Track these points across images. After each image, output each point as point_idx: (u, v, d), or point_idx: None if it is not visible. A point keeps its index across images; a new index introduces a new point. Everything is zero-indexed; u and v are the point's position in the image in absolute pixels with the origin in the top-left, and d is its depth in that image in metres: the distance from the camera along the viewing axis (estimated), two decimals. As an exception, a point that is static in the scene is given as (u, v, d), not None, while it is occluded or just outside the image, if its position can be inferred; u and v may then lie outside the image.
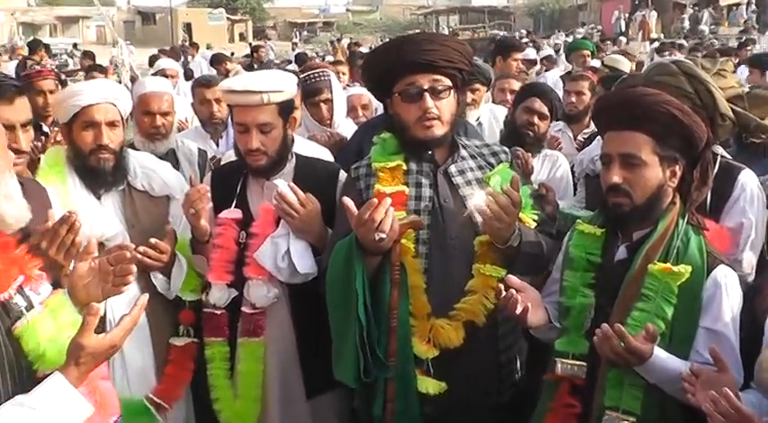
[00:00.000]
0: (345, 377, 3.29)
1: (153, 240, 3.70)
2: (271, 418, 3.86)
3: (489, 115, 6.28)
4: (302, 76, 5.46)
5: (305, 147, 4.77)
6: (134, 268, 2.80)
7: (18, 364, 2.37)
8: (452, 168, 3.45)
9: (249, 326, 3.76)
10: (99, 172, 3.83)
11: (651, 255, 2.96)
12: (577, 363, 3.03)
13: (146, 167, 4.03)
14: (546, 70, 14.34)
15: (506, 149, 3.68)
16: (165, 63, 10.72)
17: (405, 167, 3.44)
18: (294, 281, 3.68)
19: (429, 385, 3.30)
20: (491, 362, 3.45)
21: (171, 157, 5.04)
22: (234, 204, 3.81)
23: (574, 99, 6.60)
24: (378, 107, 5.79)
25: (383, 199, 3.11)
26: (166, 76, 8.62)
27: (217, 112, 6.15)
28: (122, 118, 3.92)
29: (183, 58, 26.72)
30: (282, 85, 3.71)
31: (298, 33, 55.54)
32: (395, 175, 3.43)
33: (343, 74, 9.06)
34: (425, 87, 3.30)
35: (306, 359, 3.81)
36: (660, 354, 2.78)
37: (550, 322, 3.19)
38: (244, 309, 3.75)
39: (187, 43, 41.11)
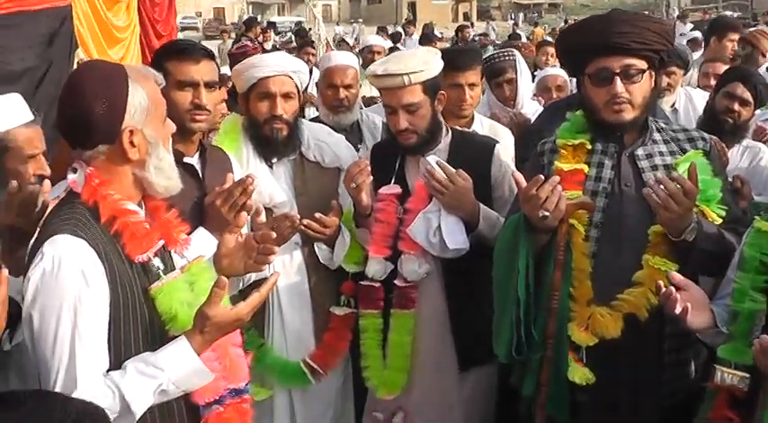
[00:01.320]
0: (499, 351, 3.29)
1: (317, 215, 3.79)
2: (417, 388, 3.90)
3: (685, 99, 5.96)
4: (487, 55, 5.38)
5: (486, 126, 4.69)
6: (276, 249, 2.89)
7: (151, 323, 2.53)
8: (640, 151, 3.30)
9: (401, 299, 3.81)
10: (271, 141, 3.92)
11: None
12: (740, 373, 2.75)
13: (318, 139, 4.10)
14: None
15: (706, 137, 3.44)
16: (372, 39, 10.85)
17: (589, 147, 3.33)
18: (446, 256, 3.70)
19: (578, 374, 3.19)
20: (652, 361, 3.27)
21: (355, 129, 5.13)
22: (393, 180, 3.85)
23: None
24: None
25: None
26: (372, 53, 8.71)
27: None
28: (298, 90, 3.99)
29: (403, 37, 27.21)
30: (423, 64, 3.69)
31: (513, 14, 55.03)
32: (577, 153, 3.34)
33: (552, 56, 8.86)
34: (616, 71, 3.17)
35: (459, 332, 3.84)
36: None
37: (716, 326, 2.93)
38: (396, 282, 3.80)
39: (410, 23, 41.81)
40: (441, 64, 3.80)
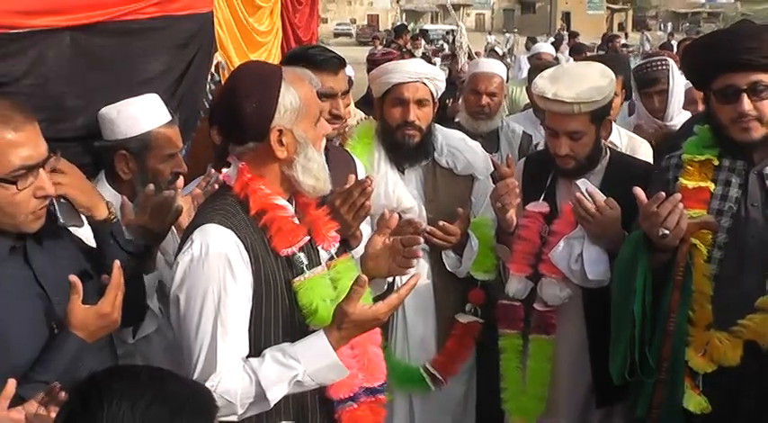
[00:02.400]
0: (613, 372, 3.21)
1: (441, 223, 3.74)
2: (551, 417, 3.77)
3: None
4: (639, 63, 5.26)
5: (624, 138, 4.57)
6: (420, 252, 2.96)
7: (291, 315, 2.60)
8: None
9: (540, 323, 3.68)
10: (403, 147, 3.91)
11: None
12: None
13: (452, 146, 4.04)
14: None
15: None
16: (542, 47, 10.77)
17: (716, 163, 3.19)
18: (587, 285, 3.54)
19: (693, 402, 3.07)
20: None
21: (493, 136, 5.10)
22: (542, 197, 3.72)
23: None
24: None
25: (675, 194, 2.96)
26: (541, 60, 8.65)
27: None
28: (433, 97, 3.96)
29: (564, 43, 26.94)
30: (597, 94, 3.52)
31: (662, 25, 53.59)
32: (703, 169, 3.20)
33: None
34: (743, 88, 3.02)
35: (597, 364, 3.62)
36: None
37: None
38: (536, 305, 3.67)
39: (564, 32, 41.36)
40: (613, 88, 3.64)
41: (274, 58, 5.54)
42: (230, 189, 2.61)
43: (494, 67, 5.42)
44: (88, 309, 2.38)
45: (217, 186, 2.97)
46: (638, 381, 3.14)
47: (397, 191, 3.89)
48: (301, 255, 2.63)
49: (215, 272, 2.48)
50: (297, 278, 2.60)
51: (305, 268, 2.63)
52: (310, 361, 2.48)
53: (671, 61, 5.28)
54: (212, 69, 4.39)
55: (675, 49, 12.03)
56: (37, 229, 2.42)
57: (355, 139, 4.09)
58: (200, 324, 2.49)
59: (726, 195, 3.13)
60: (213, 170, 3.44)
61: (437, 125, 4.12)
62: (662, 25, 53.92)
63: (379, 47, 18.36)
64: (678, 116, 5.24)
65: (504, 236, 3.76)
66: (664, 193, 2.95)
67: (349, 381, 2.65)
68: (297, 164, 2.59)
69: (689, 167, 3.22)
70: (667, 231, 2.92)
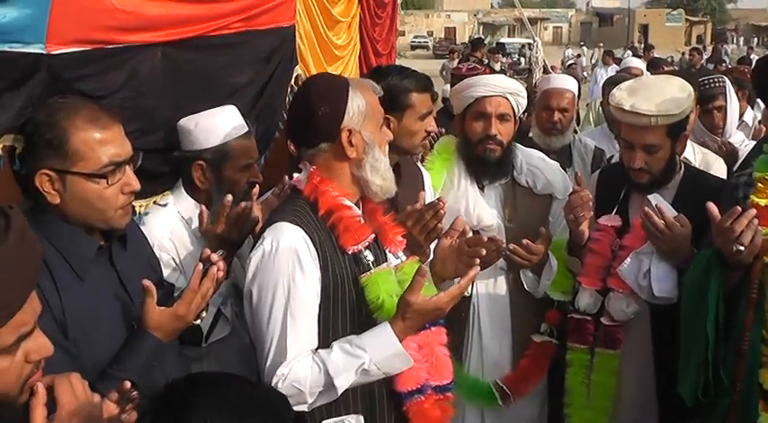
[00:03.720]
0: (684, 394, 3.15)
1: (525, 241, 3.72)
2: None
3: None
4: (698, 80, 5.24)
5: (698, 155, 4.56)
6: (483, 252, 2.99)
7: (359, 309, 2.75)
8: None
9: (607, 337, 3.67)
10: (484, 162, 3.92)
11: None
12: None
13: (532, 165, 4.05)
14: None
15: None
16: (631, 61, 10.72)
17: None
18: (654, 302, 3.51)
19: None
20: None
21: (565, 152, 5.10)
22: (615, 210, 3.72)
23: None
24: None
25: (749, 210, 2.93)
26: (631, 75, 8.65)
27: None
28: (514, 113, 3.97)
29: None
30: (676, 108, 3.49)
31: (734, 38, 52.41)
32: None
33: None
34: None
35: (662, 382, 3.62)
36: None
37: None
38: (603, 320, 3.67)
39: (641, 45, 40.82)
40: (691, 103, 3.61)
41: (351, 71, 5.61)
42: (301, 192, 2.78)
43: (565, 82, 5.42)
44: (164, 310, 2.50)
45: (289, 192, 3.11)
46: (709, 402, 3.09)
47: (478, 208, 3.91)
48: (368, 252, 2.77)
49: (284, 266, 2.63)
50: (364, 274, 2.74)
51: (371, 265, 2.76)
52: (376, 350, 2.61)
53: (726, 80, 5.36)
54: (292, 82, 4.49)
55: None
56: (125, 224, 2.54)
57: (435, 154, 4.11)
58: (272, 315, 2.64)
59: None
60: (287, 178, 3.57)
61: (517, 144, 4.12)
62: (735, 38, 52.81)
63: (455, 60, 18.43)
64: (735, 134, 5.25)
65: (576, 248, 3.76)
66: (739, 208, 2.93)
67: (415, 373, 2.76)
68: (366, 163, 2.76)
69: (760, 185, 3.17)
70: (742, 247, 2.88)
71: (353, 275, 2.74)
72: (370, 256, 2.76)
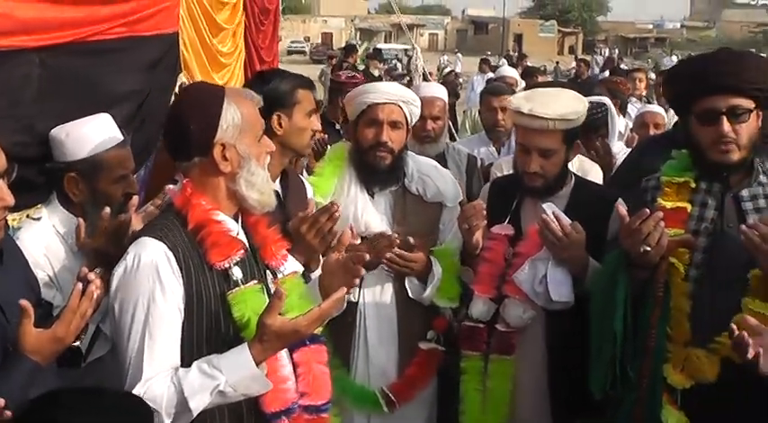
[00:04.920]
0: (594, 387, 3.28)
1: (398, 251, 3.76)
2: None
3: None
4: None
5: (575, 161, 4.68)
6: (362, 271, 2.96)
7: (225, 328, 2.66)
8: (744, 193, 3.25)
9: (501, 343, 3.71)
10: (374, 169, 3.92)
11: None
12: None
13: (422, 172, 4.06)
14: None
15: None
16: (506, 70, 10.91)
17: (693, 185, 3.30)
18: (550, 307, 3.59)
19: (672, 417, 3.15)
20: (752, 407, 3.13)
21: (440, 160, 5.08)
22: (508, 219, 3.77)
23: None
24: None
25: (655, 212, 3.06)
26: (506, 84, 8.78)
27: (501, 121, 6.14)
28: (407, 121, 3.98)
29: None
30: (572, 114, 3.60)
31: (600, 49, 54.17)
32: (681, 191, 3.31)
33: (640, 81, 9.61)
34: (723, 111, 3.13)
35: (556, 385, 3.71)
36: None
37: None
38: (498, 326, 3.70)
39: (515, 53, 41.68)
40: (585, 113, 3.71)
41: (237, 79, 5.56)
42: (173, 205, 2.72)
43: (435, 90, 5.51)
44: (42, 333, 2.43)
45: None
46: (615, 398, 3.24)
47: (367, 215, 3.90)
48: (237, 268, 2.69)
49: (145, 282, 2.56)
50: (231, 291, 2.66)
51: (240, 282, 2.69)
52: (232, 372, 2.52)
53: (608, 105, 5.47)
54: (176, 90, 4.39)
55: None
56: None
57: (326, 160, 4.11)
58: (131, 333, 2.56)
59: (702, 216, 3.24)
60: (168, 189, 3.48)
61: (409, 152, 4.14)
62: (600, 50, 54.64)
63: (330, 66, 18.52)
64: (614, 146, 5.41)
65: (470, 258, 3.80)
66: (648, 210, 3.05)
67: (282, 395, 2.71)
68: (240, 178, 2.70)
69: (667, 189, 3.32)
70: (649, 248, 3.02)
71: (220, 292, 2.66)
72: (239, 273, 2.69)
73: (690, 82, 3.28)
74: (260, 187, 2.74)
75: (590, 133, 5.20)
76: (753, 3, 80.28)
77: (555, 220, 3.48)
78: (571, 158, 3.80)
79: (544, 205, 3.58)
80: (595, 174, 4.74)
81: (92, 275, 2.56)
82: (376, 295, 3.93)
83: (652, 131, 6.02)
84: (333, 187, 3.96)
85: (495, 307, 3.71)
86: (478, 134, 6.68)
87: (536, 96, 3.68)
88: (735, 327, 2.77)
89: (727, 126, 3.12)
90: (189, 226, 2.64)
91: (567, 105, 3.62)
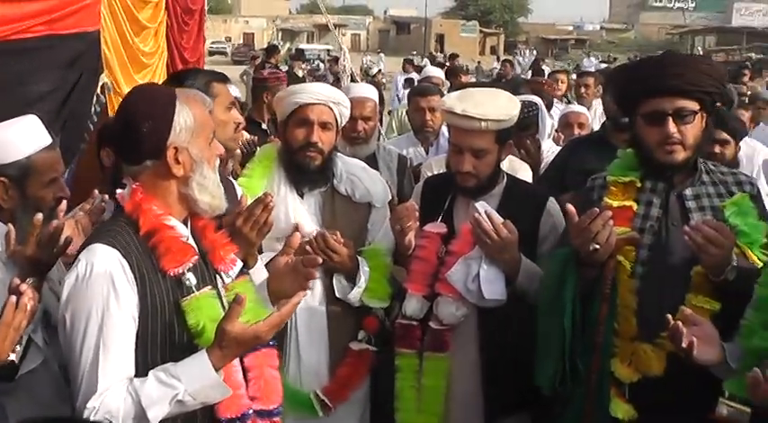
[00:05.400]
0: (542, 383, 3.31)
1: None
2: None
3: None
4: None
5: (505, 161, 4.72)
6: (316, 273, 2.98)
7: (179, 335, 2.61)
8: (688, 192, 3.33)
9: (435, 341, 3.73)
10: (304, 169, 3.90)
11: None
12: (742, 407, 2.73)
13: (352, 173, 4.05)
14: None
15: (754, 181, 3.54)
16: (432, 70, 10.95)
17: (639, 185, 3.37)
18: (482, 304, 3.62)
19: (620, 410, 3.21)
20: (697, 397, 3.13)
21: (371, 161, 5.08)
22: (440, 218, 3.78)
23: None
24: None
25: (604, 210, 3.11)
26: (433, 84, 8.82)
27: (429, 121, 6.14)
28: (337, 121, 3.98)
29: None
30: (505, 115, 3.63)
31: (521, 51, 54.88)
32: (626, 190, 3.37)
33: (562, 82, 9.71)
34: (669, 112, 3.20)
35: (489, 380, 3.75)
36: None
37: (726, 362, 2.92)
38: (431, 324, 3.72)
39: (439, 53, 41.98)
40: (517, 114, 3.74)
41: (159, 79, 5.46)
42: (123, 211, 2.64)
43: (365, 91, 5.46)
44: None
45: (104, 206, 2.93)
46: (564, 394, 3.28)
47: (297, 215, 3.88)
48: (190, 274, 2.64)
49: (98, 291, 2.49)
50: (185, 298, 2.62)
51: (194, 288, 2.64)
52: (191, 380, 2.47)
53: (539, 104, 5.56)
54: (98, 90, 4.30)
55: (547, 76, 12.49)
56: None
57: (255, 161, 4.07)
58: (84, 344, 2.49)
59: (648, 215, 3.31)
60: (97, 193, 3.38)
61: (338, 152, 4.13)
62: (521, 51, 55.45)
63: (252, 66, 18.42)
64: (544, 144, 5.48)
65: (403, 258, 3.82)
66: (597, 209, 3.10)
67: (237, 401, 2.66)
68: (193, 181, 2.65)
69: (613, 188, 3.39)
70: (598, 246, 3.06)
71: (174, 299, 2.61)
72: (192, 279, 2.64)
73: (637, 83, 3.34)
74: (212, 191, 2.69)
75: (521, 132, 5.26)
76: (669, 6, 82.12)
77: (487, 219, 3.52)
78: (503, 158, 3.83)
79: (477, 204, 3.60)
80: (525, 173, 4.76)
81: (24, 286, 2.47)
82: (306, 297, 3.88)
83: (576, 131, 6.11)
84: (263, 188, 3.89)
85: (429, 305, 3.72)
86: (406, 134, 6.67)
87: (469, 97, 3.70)
88: (669, 317, 2.84)
89: (672, 127, 3.19)
90: (141, 232, 2.58)
91: (500, 106, 3.65)
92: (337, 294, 3.90)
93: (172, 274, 2.60)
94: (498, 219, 3.53)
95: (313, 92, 3.93)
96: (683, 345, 2.78)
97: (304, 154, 3.87)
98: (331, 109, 3.92)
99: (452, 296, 3.63)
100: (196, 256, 2.68)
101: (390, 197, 4.21)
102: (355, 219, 4.02)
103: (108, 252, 2.51)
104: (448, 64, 17.93)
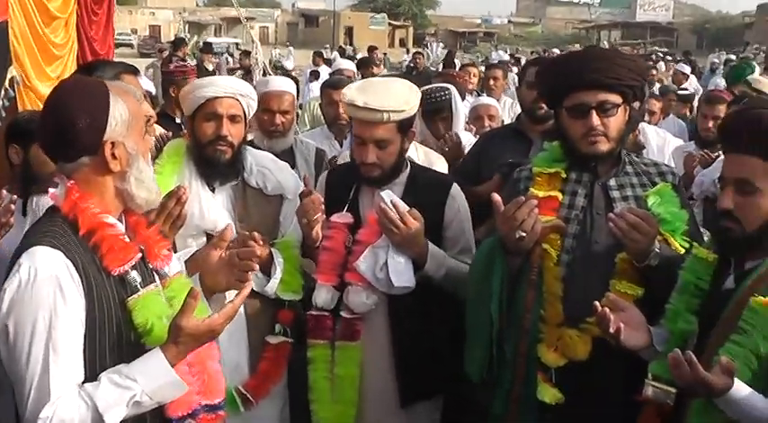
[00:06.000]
0: (471, 371, 3.41)
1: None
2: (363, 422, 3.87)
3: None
4: (423, 90, 5.48)
5: (421, 154, 4.75)
6: (256, 266, 2.94)
7: (127, 335, 2.55)
8: (612, 182, 3.44)
9: (347, 330, 3.78)
10: (215, 163, 3.88)
11: (756, 286, 2.73)
12: (668, 388, 2.83)
13: (262, 166, 4.05)
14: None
15: (675, 171, 3.66)
16: (343, 63, 10.93)
17: (564, 175, 3.45)
18: (392, 292, 3.68)
19: (547, 394, 3.29)
20: (623, 381, 3.29)
21: (288, 155, 5.11)
22: (346, 208, 3.82)
23: (710, 124, 6.32)
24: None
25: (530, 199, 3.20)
26: (344, 75, 8.79)
27: (342, 114, 6.14)
28: (245, 114, 3.97)
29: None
30: (405, 104, 3.67)
31: (429, 43, 55.27)
32: (552, 181, 3.46)
33: (474, 75, 9.90)
34: (593, 105, 3.29)
35: (401, 367, 3.82)
36: (742, 390, 2.56)
37: (653, 346, 3.03)
38: (342, 313, 3.77)
39: (349, 47, 41.91)
40: (418, 101, 3.80)
41: (70, 71, 5.36)
42: (59, 210, 2.55)
43: (283, 84, 5.44)
44: None
45: (13, 207, 2.87)
46: (492, 379, 3.37)
47: (210, 211, 3.86)
48: (134, 273, 2.60)
49: (45, 296, 2.39)
50: (131, 297, 2.57)
51: (139, 286, 2.60)
52: (148, 379, 2.44)
53: (452, 89, 5.60)
54: (6, 84, 4.20)
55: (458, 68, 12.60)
56: None
57: (164, 157, 4.01)
58: (31, 352, 2.39)
59: (573, 204, 3.41)
60: (5, 192, 3.32)
61: (246, 146, 4.13)
62: (428, 43, 55.80)
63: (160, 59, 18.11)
64: (462, 135, 5.53)
65: (311, 251, 3.84)
66: (523, 198, 3.19)
67: (187, 398, 2.63)
68: (130, 176, 2.59)
69: (539, 179, 3.47)
70: (524, 234, 3.15)
71: (120, 299, 2.55)
72: (137, 277, 2.60)
73: (562, 77, 3.42)
74: (148, 185, 2.64)
75: (434, 115, 5.40)
76: (575, 1, 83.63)
77: (393, 207, 3.58)
78: (407, 147, 3.87)
79: (382, 193, 3.66)
80: (441, 166, 4.80)
81: None
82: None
83: (487, 123, 6.17)
84: (173, 185, 3.84)
85: (339, 294, 3.77)
86: (320, 128, 6.68)
87: (369, 88, 3.75)
88: (597, 304, 2.93)
89: (596, 119, 3.28)
90: (80, 231, 2.50)
91: (400, 96, 3.70)
92: (255, 288, 3.82)
93: (116, 273, 2.55)
94: (404, 207, 3.60)
95: (220, 85, 3.91)
96: (611, 330, 2.88)
97: (214, 148, 3.85)
98: (239, 102, 3.91)
99: (362, 285, 3.69)
100: (140, 254, 2.64)
101: (301, 189, 4.22)
102: (268, 212, 4.03)
103: (51, 254, 2.43)
104: (366, 56, 17.91)
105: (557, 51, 29.50)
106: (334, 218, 3.80)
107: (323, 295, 3.78)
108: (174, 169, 3.93)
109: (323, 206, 3.69)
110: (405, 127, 3.74)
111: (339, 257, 3.77)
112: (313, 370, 3.85)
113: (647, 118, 7.48)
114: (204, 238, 3.75)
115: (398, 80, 3.94)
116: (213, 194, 3.93)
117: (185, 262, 3.15)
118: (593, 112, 3.29)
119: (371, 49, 21.67)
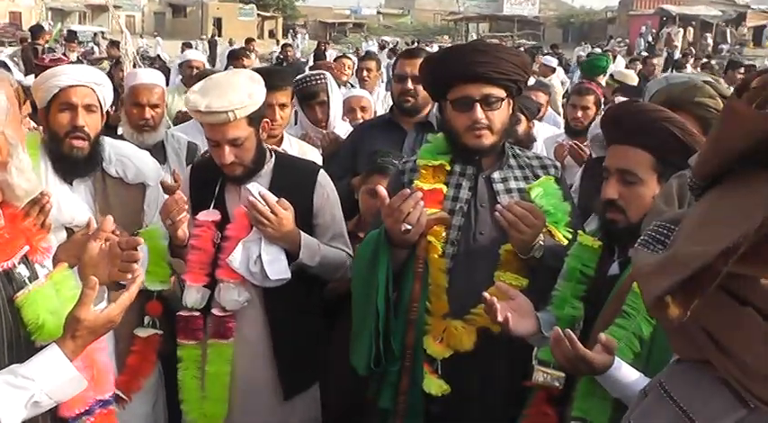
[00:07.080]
0: (358, 364, 3.38)
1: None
2: (238, 420, 3.82)
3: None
4: (299, 77, 5.53)
5: (295, 146, 4.71)
6: (141, 255, 2.79)
7: (17, 334, 2.41)
8: (496, 175, 3.45)
9: (218, 328, 3.72)
10: (72, 159, 3.76)
11: None
12: (556, 372, 2.89)
13: (121, 154, 3.95)
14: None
15: (558, 164, 3.71)
16: (192, 54, 10.66)
17: (448, 168, 3.45)
18: (267, 285, 3.65)
19: (433, 386, 3.29)
20: (506, 370, 3.37)
21: (159, 149, 5.00)
22: (212, 205, 3.75)
23: (579, 114, 6.49)
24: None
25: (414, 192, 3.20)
26: (192, 68, 8.59)
27: None
28: (101, 104, 3.85)
29: (209, 53, 26.82)
30: (248, 98, 3.58)
31: (293, 33, 55.27)
32: (436, 173, 3.45)
33: (348, 67, 9.95)
34: (477, 98, 3.30)
35: (281, 360, 3.79)
36: (622, 368, 2.63)
37: (541, 332, 3.05)
38: (214, 311, 3.71)
39: (216, 37, 41.40)
40: (264, 91, 3.70)
41: None
42: None
43: (152, 77, 5.28)
44: None
45: None
46: (379, 374, 3.37)
47: (70, 205, 3.71)
48: (22, 267, 2.47)
49: None
50: (19, 293, 2.42)
51: (27, 281, 2.46)
52: (46, 377, 2.29)
53: (328, 75, 5.63)
54: None
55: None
56: None
57: None
58: None
59: (457, 197, 3.41)
60: None
61: (104, 136, 3.99)
62: (292, 33, 55.80)
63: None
64: (340, 125, 5.55)
65: (178, 249, 3.76)
66: (408, 191, 3.20)
67: (82, 394, 2.49)
68: (12, 166, 2.44)
69: (423, 171, 3.45)
70: (410, 226, 3.15)
71: (8, 296, 2.41)
72: (24, 272, 2.47)
73: (447, 70, 3.41)
74: (28, 175, 2.49)
75: (310, 100, 5.41)
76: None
77: (261, 199, 3.54)
78: (263, 137, 3.82)
79: (249, 186, 3.63)
80: (313, 156, 4.82)
81: None
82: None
83: (360, 115, 6.17)
84: None
85: (210, 293, 3.71)
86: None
87: (211, 89, 3.61)
88: (486, 294, 2.92)
89: (480, 113, 3.29)
90: None
91: (243, 90, 3.60)
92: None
93: (2, 269, 2.41)
94: (272, 198, 3.58)
95: (74, 74, 3.79)
96: (499, 319, 2.87)
97: (70, 143, 3.73)
98: (94, 91, 3.79)
99: (234, 281, 3.64)
100: (27, 247, 2.52)
101: (162, 176, 4.09)
102: (130, 201, 3.94)
103: None
104: (238, 48, 17.66)
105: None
106: (201, 216, 3.72)
107: (193, 295, 3.70)
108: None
109: (186, 206, 3.62)
110: (256, 119, 3.66)
111: (208, 256, 3.69)
112: (182, 369, 3.77)
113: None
114: (64, 233, 3.61)
115: (240, 73, 3.89)
116: (72, 187, 3.80)
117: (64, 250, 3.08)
118: (478, 106, 3.29)
119: (249, 41, 21.47)
